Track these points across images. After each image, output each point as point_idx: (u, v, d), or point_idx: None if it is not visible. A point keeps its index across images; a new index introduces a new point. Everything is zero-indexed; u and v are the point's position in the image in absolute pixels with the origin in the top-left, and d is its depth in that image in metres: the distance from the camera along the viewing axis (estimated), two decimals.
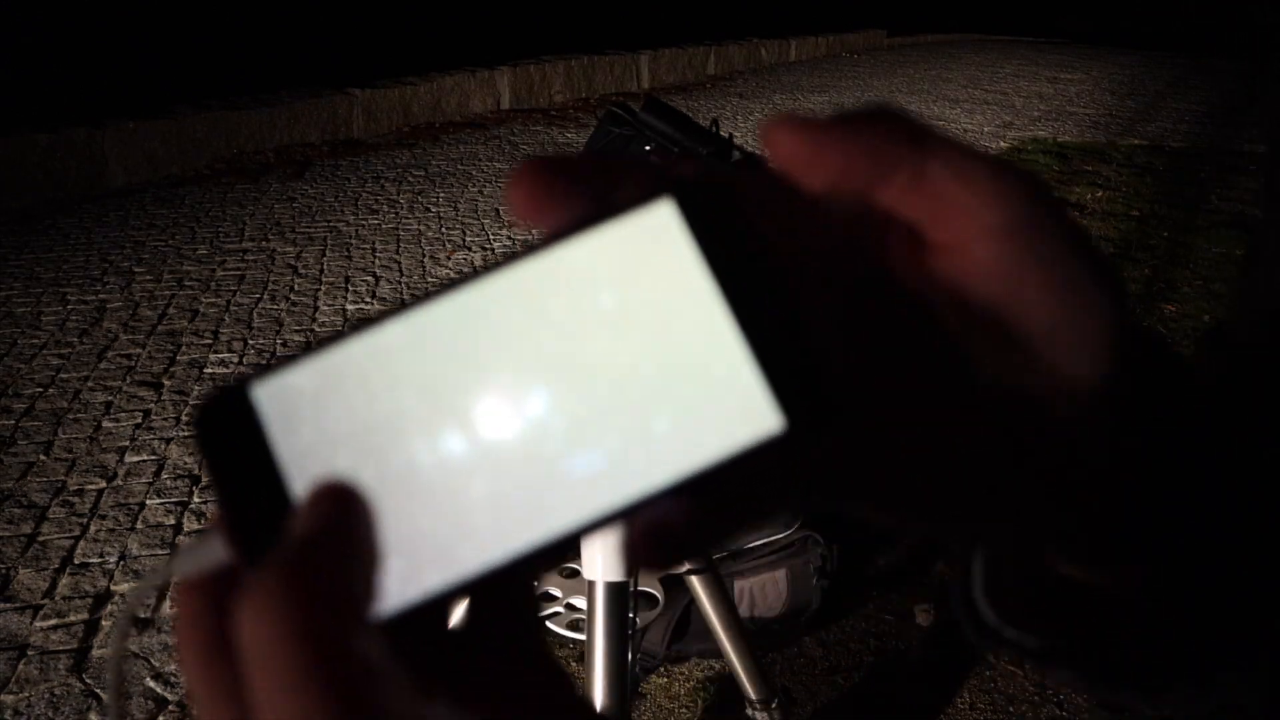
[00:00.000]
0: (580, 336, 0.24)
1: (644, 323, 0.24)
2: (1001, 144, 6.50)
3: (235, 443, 0.24)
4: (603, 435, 0.23)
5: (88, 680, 1.85)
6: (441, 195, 5.08)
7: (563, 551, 0.23)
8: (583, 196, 0.24)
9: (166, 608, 2.03)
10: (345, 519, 0.21)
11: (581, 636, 1.67)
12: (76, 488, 2.44)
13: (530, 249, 0.24)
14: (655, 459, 0.23)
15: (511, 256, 0.24)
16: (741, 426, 0.23)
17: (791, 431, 0.22)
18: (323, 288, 3.80)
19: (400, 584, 0.23)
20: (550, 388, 0.23)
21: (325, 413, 0.24)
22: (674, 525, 0.22)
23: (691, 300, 0.23)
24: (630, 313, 0.24)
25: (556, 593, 1.94)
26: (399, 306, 0.24)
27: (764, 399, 0.23)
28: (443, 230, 4.52)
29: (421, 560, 0.23)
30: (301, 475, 0.23)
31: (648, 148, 1.42)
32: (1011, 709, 1.90)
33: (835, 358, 0.23)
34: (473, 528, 0.23)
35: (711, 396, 0.23)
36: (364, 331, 0.24)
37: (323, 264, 4.05)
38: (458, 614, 0.24)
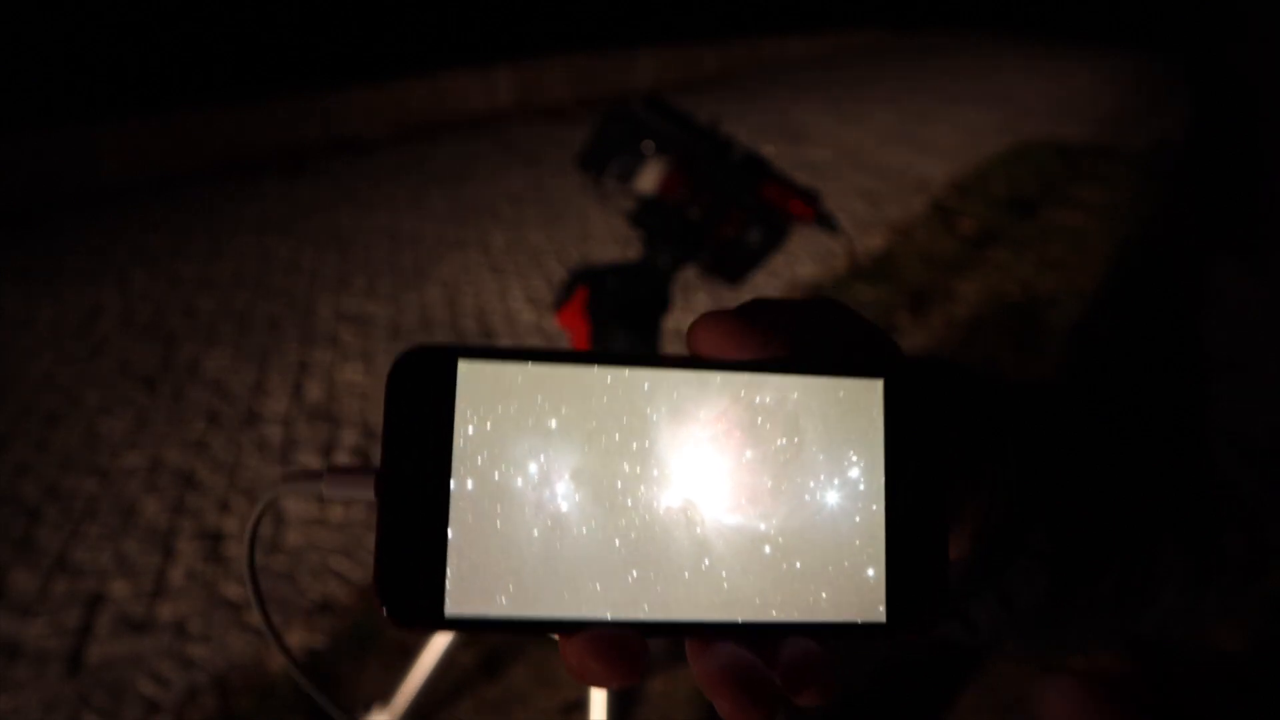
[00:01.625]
0: (754, 464, 0.26)
1: (811, 477, 0.26)
2: (1003, 142, 6.48)
3: (422, 401, 0.25)
4: (735, 559, 0.25)
5: (80, 682, 1.83)
6: (439, 194, 5.06)
7: (659, 635, 0.26)
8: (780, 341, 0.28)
9: (164, 610, 2.02)
10: None
11: None
12: (69, 488, 2.42)
13: (744, 364, 0.27)
14: (768, 600, 0.25)
15: (726, 364, 0.27)
16: (849, 604, 0.25)
17: (888, 628, 0.25)
18: (320, 287, 3.78)
19: (506, 599, 0.24)
20: (712, 497, 0.25)
21: (516, 417, 0.25)
22: (820, 664, 0.26)
23: (862, 476, 0.26)
24: (805, 462, 0.26)
25: None
26: (624, 355, 0.26)
27: (879, 591, 0.25)
28: (441, 229, 4.50)
29: (537, 587, 0.24)
30: (467, 457, 0.25)
31: (647, 146, 1.41)
32: (1010, 710, 1.89)
33: (950, 573, 0.26)
34: (589, 583, 0.25)
35: (838, 567, 0.25)
36: (582, 361, 0.26)
37: (320, 263, 4.04)
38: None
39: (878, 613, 0.25)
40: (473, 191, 5.10)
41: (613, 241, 4.24)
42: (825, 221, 1.45)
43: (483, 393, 0.25)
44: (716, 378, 0.26)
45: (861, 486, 0.26)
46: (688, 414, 0.26)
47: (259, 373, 3.05)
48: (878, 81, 9.16)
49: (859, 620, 0.25)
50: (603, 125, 1.46)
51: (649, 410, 0.25)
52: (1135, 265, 4.25)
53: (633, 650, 0.24)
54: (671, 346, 3.08)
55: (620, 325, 1.32)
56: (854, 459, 0.26)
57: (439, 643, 1.42)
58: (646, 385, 0.26)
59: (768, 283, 3.81)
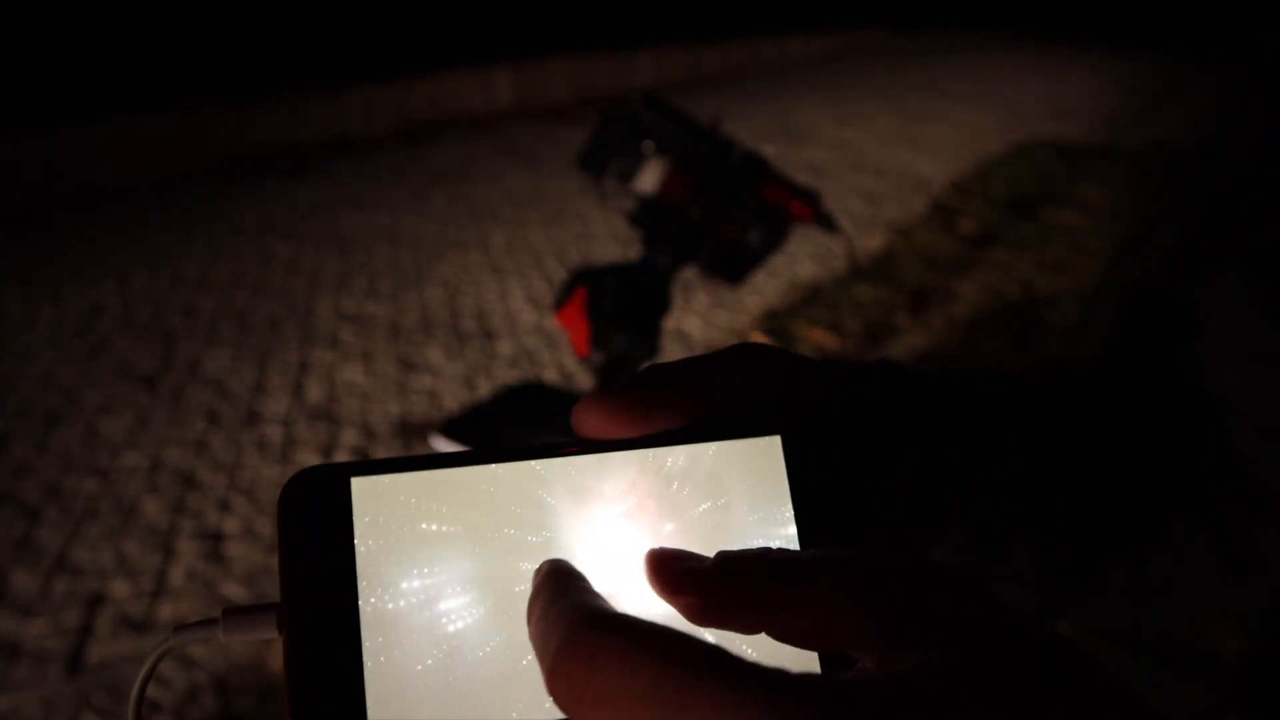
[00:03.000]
0: (677, 537, 0.25)
1: (742, 540, 0.26)
2: (1003, 142, 6.48)
3: (317, 524, 0.24)
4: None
5: (80, 682, 1.83)
6: (440, 194, 5.06)
7: None
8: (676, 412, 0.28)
9: (164, 610, 2.02)
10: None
11: None
12: (69, 488, 2.42)
13: (641, 441, 0.27)
14: None
15: (622, 443, 0.27)
16: (783, 660, 0.26)
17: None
18: (320, 287, 3.78)
19: (428, 713, 0.23)
20: (633, 580, 0.24)
21: (414, 529, 0.24)
22: None
23: (770, 530, 0.26)
24: (735, 525, 0.26)
25: None
26: (511, 450, 0.26)
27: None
28: (441, 229, 4.50)
29: (456, 699, 0.23)
30: (374, 582, 0.24)
31: (647, 146, 1.41)
32: None
33: None
34: (509, 695, 0.24)
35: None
36: (471, 463, 0.25)
37: (320, 263, 4.04)
38: None
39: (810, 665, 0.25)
40: (473, 191, 5.10)
41: (613, 241, 4.24)
42: (825, 221, 1.45)
43: (380, 508, 0.24)
44: (619, 482, 0.25)
45: (774, 541, 0.26)
46: (593, 492, 0.25)
47: (259, 373, 3.05)
48: (878, 81, 9.16)
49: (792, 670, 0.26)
50: (603, 125, 1.46)
51: (548, 498, 0.25)
52: (1137, 263, 4.24)
53: None
54: (671, 347, 3.07)
55: (620, 325, 1.32)
56: (784, 513, 0.26)
57: None
58: (541, 470, 0.25)
59: (768, 283, 3.81)
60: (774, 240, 1.43)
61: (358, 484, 0.24)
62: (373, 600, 0.24)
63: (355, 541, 0.24)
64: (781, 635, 0.21)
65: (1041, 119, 7.41)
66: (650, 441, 0.26)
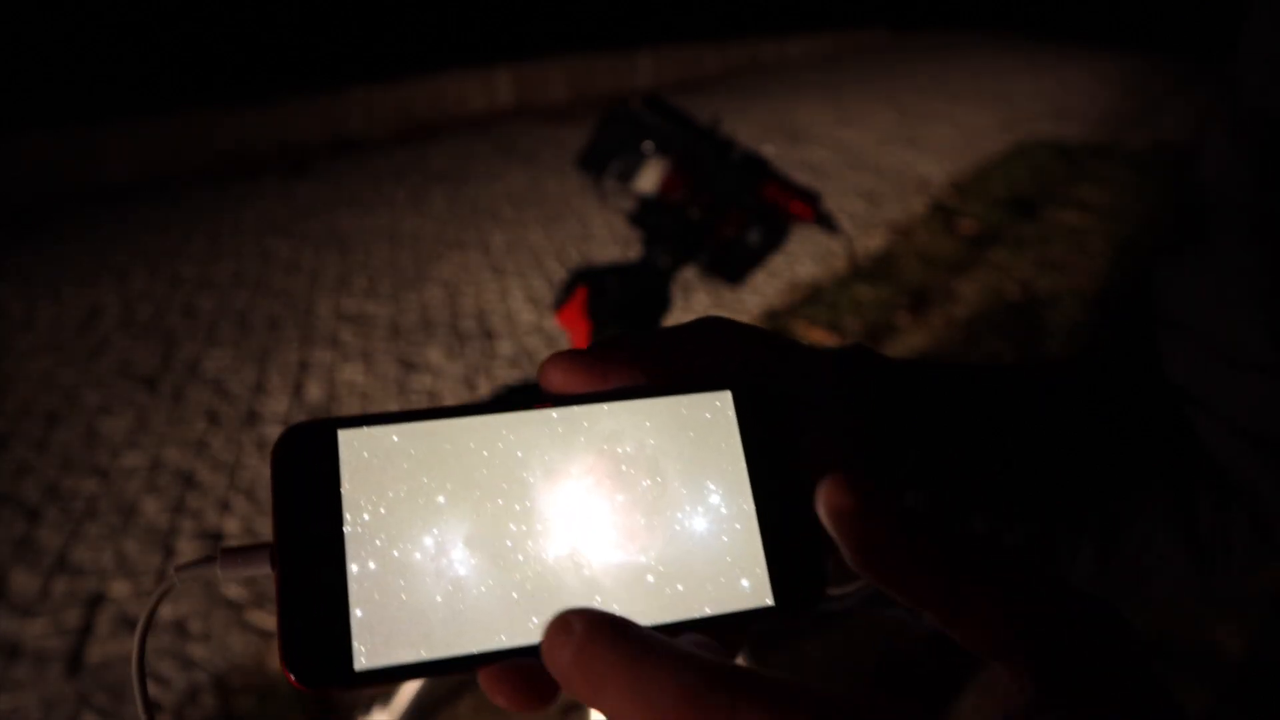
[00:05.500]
0: (626, 506, 0.27)
1: (678, 508, 0.28)
2: (1003, 142, 6.48)
3: (307, 473, 0.26)
4: (624, 590, 0.27)
5: (81, 682, 1.83)
6: (440, 194, 5.06)
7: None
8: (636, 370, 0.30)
9: (164, 610, 2.02)
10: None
11: None
12: (69, 488, 2.42)
13: (601, 395, 0.29)
14: (658, 607, 0.27)
15: (586, 397, 0.29)
16: (739, 596, 0.27)
17: (777, 609, 0.28)
18: (320, 287, 3.78)
19: (412, 648, 0.25)
20: (594, 540, 0.27)
21: (393, 477, 0.27)
22: (708, 648, 0.26)
23: (726, 482, 0.28)
24: (671, 496, 0.28)
25: None
26: (486, 403, 0.28)
27: (764, 580, 0.28)
28: (441, 229, 4.50)
29: (442, 633, 0.25)
30: (358, 522, 0.26)
31: (647, 146, 1.41)
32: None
33: (826, 557, 0.28)
34: (493, 630, 0.26)
35: (722, 564, 0.28)
36: (449, 416, 0.28)
37: (320, 263, 4.03)
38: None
39: (765, 601, 0.28)
40: (473, 191, 5.10)
41: (613, 241, 4.24)
42: (825, 221, 1.45)
43: (364, 458, 0.27)
44: (580, 437, 0.28)
45: (726, 502, 0.28)
46: (560, 472, 0.28)
47: (259, 373, 3.05)
48: (878, 81, 9.16)
49: (749, 608, 0.27)
50: (603, 125, 1.46)
51: (526, 475, 0.28)
52: (1137, 263, 4.24)
53: (539, 677, 0.25)
54: None
55: (620, 325, 1.32)
56: (713, 484, 0.29)
57: None
58: (520, 453, 0.28)
59: (768, 283, 3.81)
60: (774, 240, 1.43)
61: (344, 435, 0.27)
62: (358, 538, 0.26)
63: (342, 486, 0.26)
64: (939, 617, 0.23)
65: (1041, 119, 7.41)
66: (609, 396, 0.29)
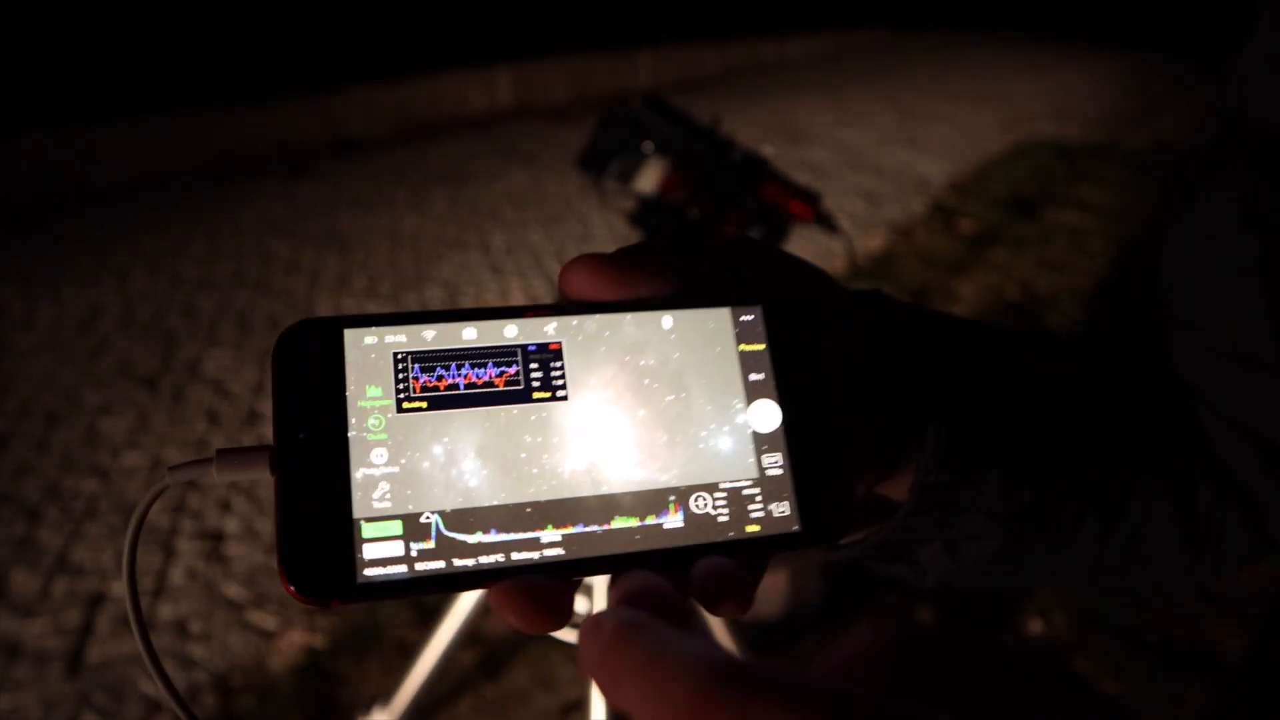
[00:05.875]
0: (647, 422, 0.26)
1: (706, 405, 0.27)
2: (1003, 142, 6.48)
3: (310, 373, 0.25)
4: (644, 511, 0.25)
5: (81, 682, 1.83)
6: (440, 194, 5.06)
7: (577, 573, 0.26)
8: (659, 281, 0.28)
9: (164, 610, 2.02)
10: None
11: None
12: (69, 488, 2.43)
13: (624, 305, 0.27)
14: (680, 539, 0.25)
15: (609, 305, 0.27)
16: (764, 521, 0.26)
17: (803, 535, 0.26)
18: (320, 287, 3.78)
19: (416, 562, 0.24)
20: (613, 457, 0.26)
21: (400, 374, 0.25)
22: (731, 574, 0.25)
23: (753, 401, 0.27)
24: (694, 414, 0.27)
25: None
26: (501, 307, 0.27)
27: (790, 505, 0.26)
28: (441, 229, 4.50)
29: (449, 546, 0.24)
30: (361, 421, 0.24)
31: (647, 146, 1.41)
32: None
33: (854, 483, 0.27)
34: (502, 539, 0.25)
35: (749, 486, 0.26)
36: (461, 319, 0.26)
37: (320, 263, 4.04)
38: None
39: (791, 526, 0.26)
40: (473, 191, 5.10)
41: (613, 241, 4.24)
42: (825, 221, 1.45)
43: (372, 360, 0.25)
44: (601, 347, 0.26)
45: (752, 421, 0.27)
46: (579, 383, 0.26)
47: (259, 373, 3.05)
48: (878, 81, 9.15)
49: (774, 533, 0.26)
50: (603, 125, 1.46)
51: (539, 366, 0.26)
52: (1138, 262, 4.24)
53: (553, 596, 0.24)
54: None
55: None
56: (739, 403, 0.27)
57: (439, 642, 1.42)
58: (538, 336, 0.26)
59: None
60: (774, 240, 1.43)
61: (350, 335, 0.25)
62: (363, 442, 0.24)
63: (347, 389, 0.25)
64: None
65: (1041, 119, 7.41)
66: (633, 306, 0.27)
